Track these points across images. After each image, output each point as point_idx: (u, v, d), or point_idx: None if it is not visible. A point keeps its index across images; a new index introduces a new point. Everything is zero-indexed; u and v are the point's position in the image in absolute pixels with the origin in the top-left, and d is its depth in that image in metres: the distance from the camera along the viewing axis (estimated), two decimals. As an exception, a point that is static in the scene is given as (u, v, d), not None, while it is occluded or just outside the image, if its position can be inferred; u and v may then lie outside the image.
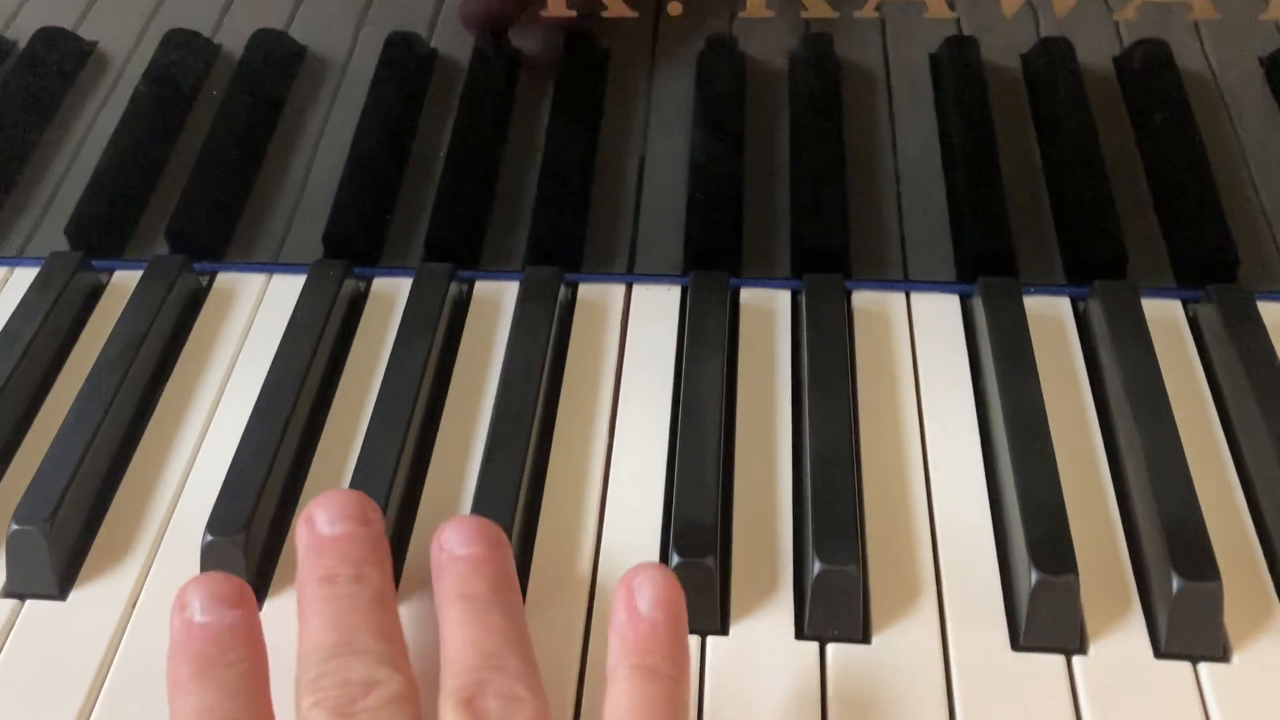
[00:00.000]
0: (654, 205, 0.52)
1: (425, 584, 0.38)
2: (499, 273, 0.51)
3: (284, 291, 0.50)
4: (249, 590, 0.36)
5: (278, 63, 0.55)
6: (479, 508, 0.40)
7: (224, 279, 0.51)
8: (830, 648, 0.38)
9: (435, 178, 0.52)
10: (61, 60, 0.53)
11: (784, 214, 0.51)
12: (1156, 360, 0.44)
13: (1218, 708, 0.36)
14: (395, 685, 0.33)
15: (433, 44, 0.55)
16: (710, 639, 0.38)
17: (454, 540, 0.37)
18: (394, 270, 0.51)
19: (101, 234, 0.52)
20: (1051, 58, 0.53)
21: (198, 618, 0.35)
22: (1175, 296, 0.49)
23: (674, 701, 0.33)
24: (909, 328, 0.48)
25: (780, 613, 0.39)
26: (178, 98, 0.54)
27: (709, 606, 0.38)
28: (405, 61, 0.54)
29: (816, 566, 0.38)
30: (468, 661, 0.33)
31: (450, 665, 0.34)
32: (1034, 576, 0.37)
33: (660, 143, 0.53)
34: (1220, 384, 0.45)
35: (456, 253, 0.50)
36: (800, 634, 0.38)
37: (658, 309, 0.49)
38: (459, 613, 0.35)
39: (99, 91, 0.53)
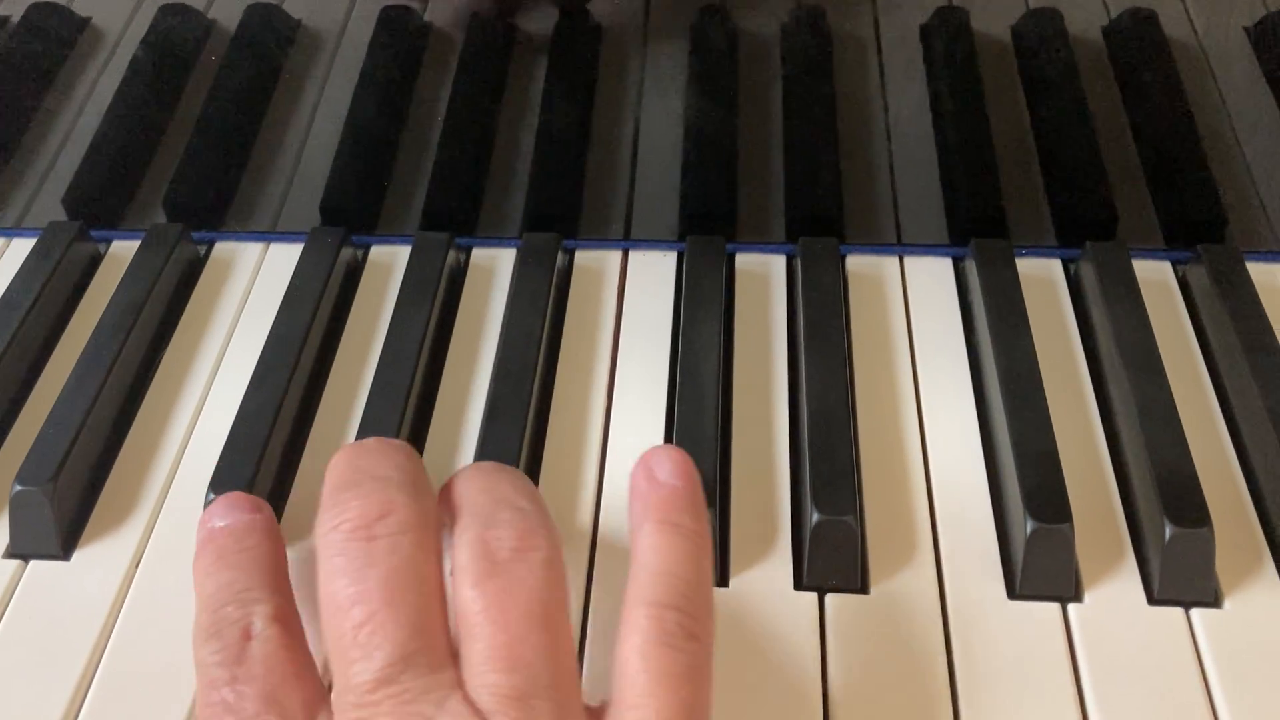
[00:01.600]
0: (650, 172, 0.52)
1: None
2: (496, 239, 0.51)
3: (282, 260, 0.50)
4: (266, 504, 0.38)
5: (274, 33, 0.55)
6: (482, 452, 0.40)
7: (222, 248, 0.52)
8: (829, 598, 0.38)
9: (432, 147, 0.52)
10: (59, 30, 0.53)
11: (778, 180, 0.52)
12: (1147, 317, 0.44)
13: (1210, 653, 0.36)
14: (411, 510, 0.34)
15: (427, 17, 0.55)
16: (711, 591, 0.38)
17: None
18: (391, 238, 0.51)
19: (99, 204, 0.52)
20: (1041, 27, 0.54)
21: (217, 524, 0.37)
22: (1165, 258, 0.49)
23: (699, 554, 0.34)
24: (903, 290, 0.48)
25: (779, 565, 0.39)
26: (175, 67, 0.54)
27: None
28: (400, 33, 0.55)
29: (814, 516, 0.38)
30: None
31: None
32: (1029, 525, 0.38)
33: (656, 110, 0.53)
34: (1209, 341, 0.46)
35: (453, 220, 0.51)
36: (799, 584, 0.39)
37: (654, 274, 0.50)
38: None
39: (96, 62, 0.54)
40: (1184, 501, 0.38)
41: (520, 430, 0.41)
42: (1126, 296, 0.45)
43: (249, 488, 0.40)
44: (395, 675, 0.31)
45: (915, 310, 0.47)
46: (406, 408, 0.42)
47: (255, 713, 0.32)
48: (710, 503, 0.39)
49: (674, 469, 0.36)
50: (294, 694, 0.32)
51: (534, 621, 0.31)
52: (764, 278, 0.49)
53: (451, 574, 0.33)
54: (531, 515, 0.34)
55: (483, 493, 0.35)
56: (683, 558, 0.33)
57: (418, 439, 0.43)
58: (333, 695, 0.32)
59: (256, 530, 0.37)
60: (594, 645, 0.37)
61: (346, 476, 0.35)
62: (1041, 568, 0.38)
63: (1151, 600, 0.38)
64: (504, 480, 0.35)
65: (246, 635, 0.33)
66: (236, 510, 0.38)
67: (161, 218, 0.52)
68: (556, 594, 0.32)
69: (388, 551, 0.33)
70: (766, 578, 0.39)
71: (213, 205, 0.52)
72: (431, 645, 0.32)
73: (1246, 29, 0.54)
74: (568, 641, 0.32)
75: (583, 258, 0.50)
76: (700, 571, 0.33)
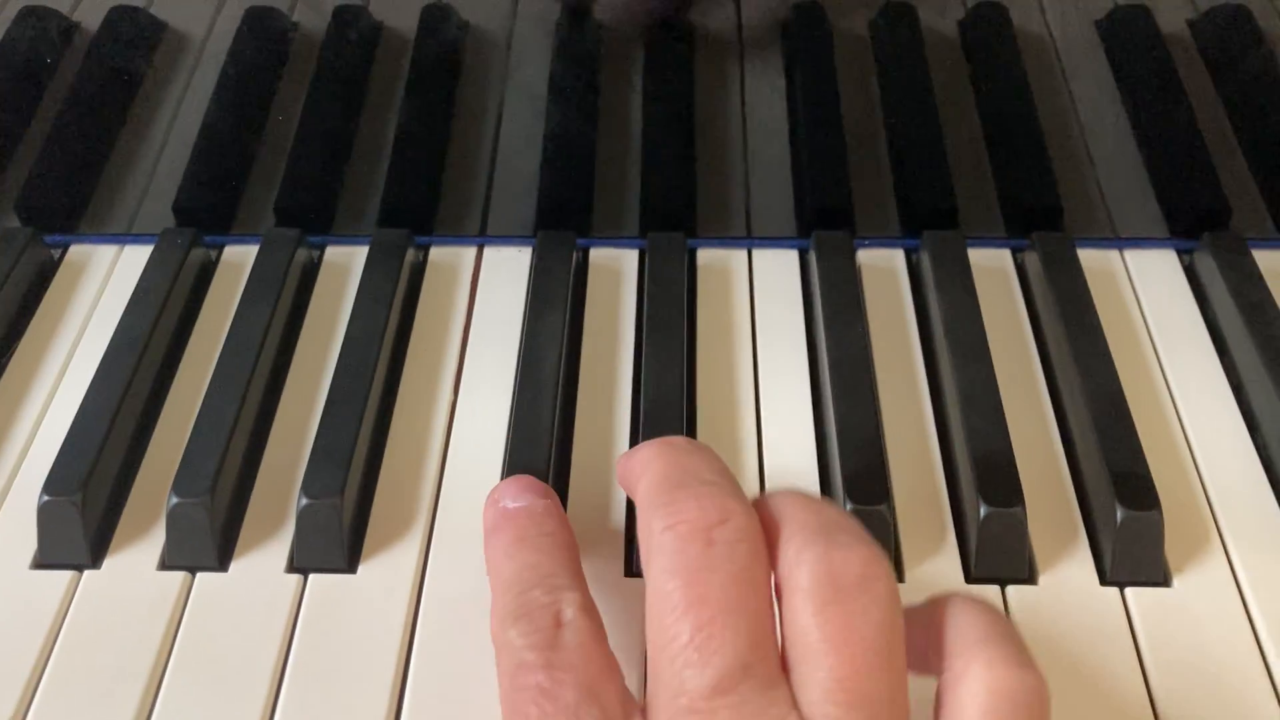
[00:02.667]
0: (508, 168, 0.53)
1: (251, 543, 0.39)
2: (352, 237, 0.51)
3: (136, 262, 0.50)
4: (552, 491, 0.39)
5: (135, 37, 0.55)
6: (315, 462, 0.40)
7: (76, 251, 0.51)
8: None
9: (287, 146, 0.52)
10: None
11: (635, 175, 0.52)
12: (977, 303, 0.45)
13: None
14: (747, 518, 0.32)
15: (294, 17, 0.56)
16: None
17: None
18: (246, 238, 0.51)
19: (-50, 208, 0.52)
20: (896, 21, 0.55)
21: (510, 504, 0.37)
22: (1006, 246, 0.50)
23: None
24: (749, 282, 0.49)
25: (613, 557, 0.40)
26: (35, 69, 0.54)
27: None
28: (262, 34, 0.55)
29: (641, 505, 0.39)
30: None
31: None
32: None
33: (517, 108, 0.54)
34: (1041, 325, 0.47)
35: (307, 218, 0.51)
36: (628, 572, 0.39)
37: (508, 270, 0.50)
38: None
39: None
40: (999, 483, 0.39)
41: (356, 425, 0.42)
42: (959, 283, 0.46)
43: (83, 487, 0.40)
44: (733, 685, 0.29)
45: (760, 302, 0.48)
46: (243, 405, 0.42)
47: (574, 701, 0.31)
48: (547, 496, 0.39)
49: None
50: (610, 688, 0.32)
51: (879, 657, 0.30)
52: (616, 271, 0.50)
53: (783, 593, 0.32)
54: (868, 543, 0.32)
55: (812, 512, 0.33)
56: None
57: (259, 435, 0.44)
58: (656, 698, 0.31)
59: (554, 515, 0.37)
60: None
61: (672, 475, 0.34)
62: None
63: (969, 578, 0.39)
64: (827, 504, 0.34)
65: (558, 622, 0.32)
66: (530, 493, 0.38)
67: (14, 221, 0.52)
68: (899, 631, 0.31)
69: (726, 558, 0.31)
70: (600, 566, 0.39)
71: (67, 208, 0.52)
72: (767, 659, 0.30)
73: (1097, 22, 0.55)
74: (905, 681, 0.31)
75: (437, 254, 0.51)
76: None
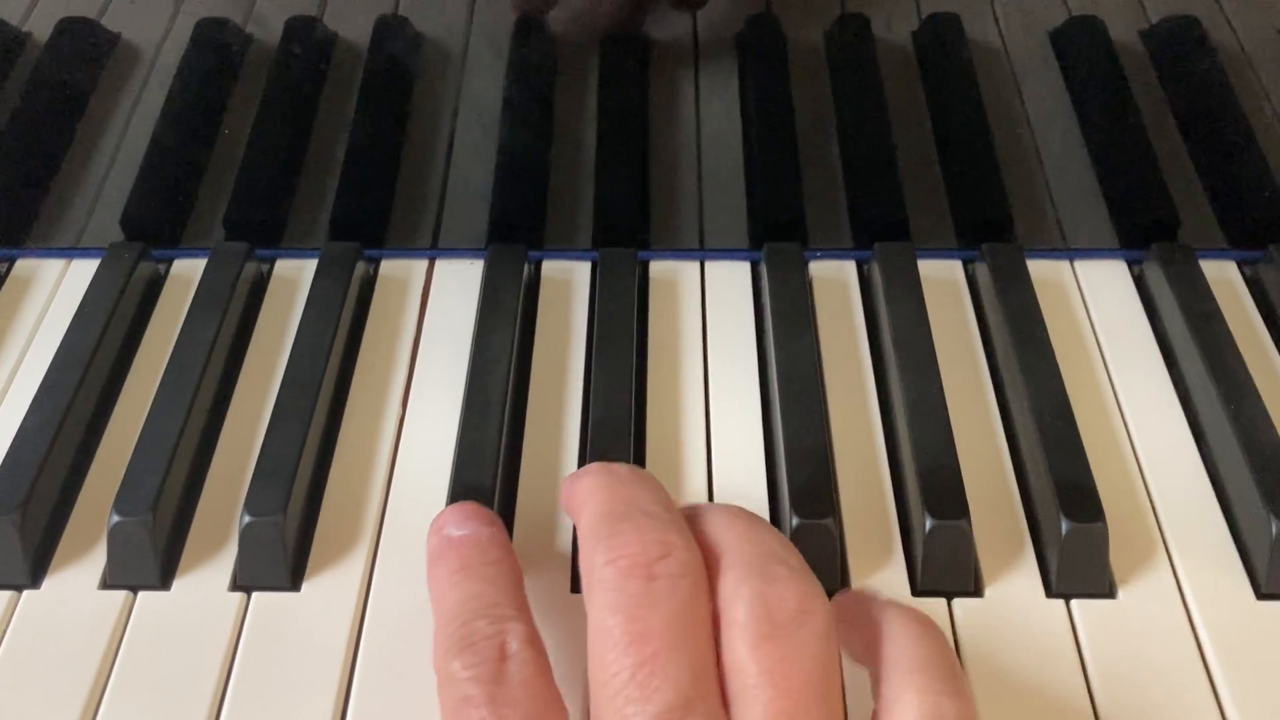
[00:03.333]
0: (460, 181, 0.52)
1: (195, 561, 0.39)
2: (302, 250, 0.51)
3: (84, 276, 0.50)
4: (499, 518, 0.38)
5: (85, 48, 0.55)
6: (259, 477, 0.40)
7: (22, 265, 0.51)
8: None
9: (238, 159, 0.52)
10: None
11: (589, 188, 0.52)
12: (925, 314, 0.45)
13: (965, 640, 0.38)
14: (688, 552, 0.32)
15: (247, 29, 0.55)
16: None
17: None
18: (195, 252, 0.51)
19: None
20: (849, 33, 0.55)
21: (455, 532, 0.37)
22: (958, 257, 0.51)
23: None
24: (701, 294, 0.49)
25: (559, 573, 0.40)
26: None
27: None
28: (213, 46, 0.54)
29: (587, 521, 0.39)
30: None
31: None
32: (794, 520, 0.39)
33: (470, 121, 0.54)
34: (990, 336, 0.47)
35: (257, 231, 0.50)
36: (574, 589, 0.39)
37: (460, 283, 0.50)
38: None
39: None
40: (944, 496, 0.39)
41: (300, 441, 0.41)
42: (909, 295, 0.46)
43: (22, 507, 0.39)
44: None
45: (712, 314, 0.48)
46: (188, 420, 0.42)
47: None
48: (492, 507, 0.39)
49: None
50: None
51: (815, 690, 0.30)
52: (568, 284, 0.50)
53: (721, 626, 0.32)
54: (804, 576, 0.32)
55: (748, 542, 0.33)
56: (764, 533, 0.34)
57: (204, 452, 0.43)
58: None
59: (499, 544, 0.36)
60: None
61: (613, 507, 0.34)
62: (810, 563, 0.39)
63: (915, 591, 0.39)
64: (766, 532, 0.34)
65: (503, 654, 0.32)
66: (474, 521, 0.37)
67: (-43, 236, 0.51)
68: (834, 664, 0.31)
69: (667, 593, 0.31)
70: (547, 581, 0.39)
71: (13, 222, 0.51)
72: (709, 694, 0.30)
73: (1050, 33, 0.56)
74: (840, 712, 0.31)
75: (388, 267, 0.51)
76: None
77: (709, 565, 0.33)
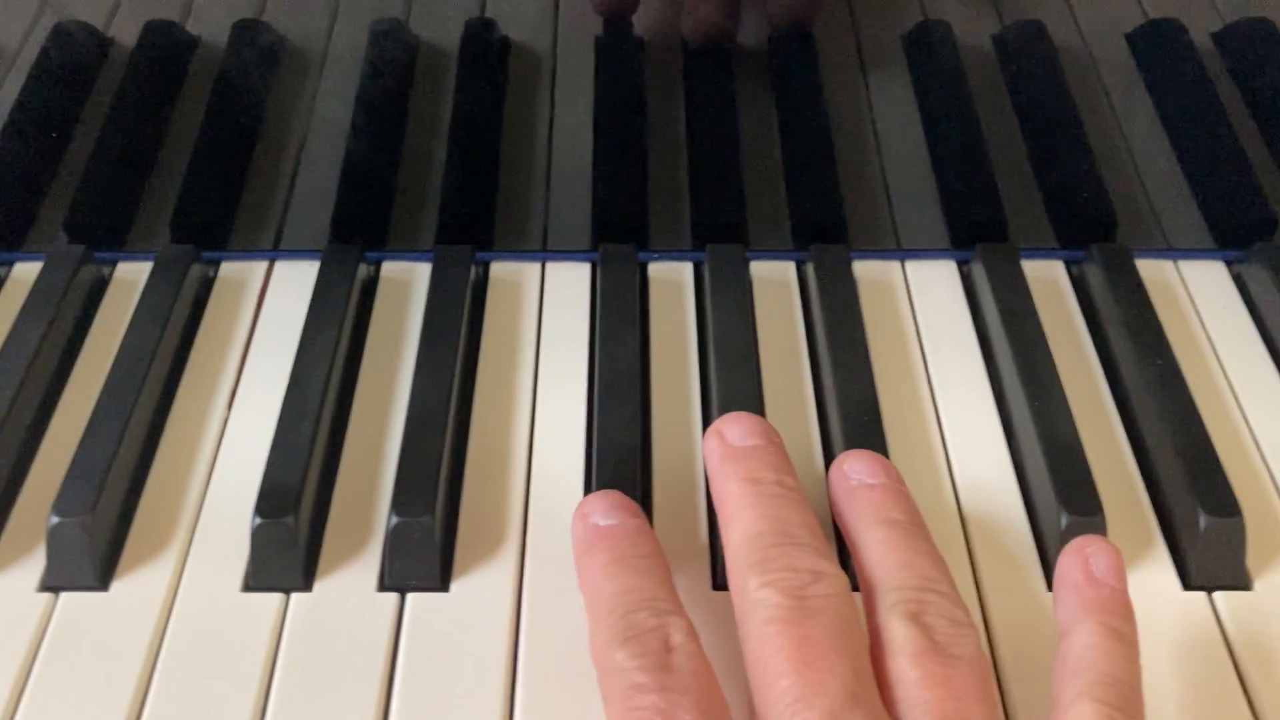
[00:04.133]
0: (307, 183, 0.52)
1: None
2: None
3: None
4: (640, 509, 0.39)
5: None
6: (69, 480, 0.40)
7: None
8: (410, 597, 0.39)
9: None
10: None
11: (434, 186, 0.52)
12: (753, 316, 0.47)
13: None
14: (839, 580, 0.34)
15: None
16: (293, 595, 0.39)
17: (861, 471, 0.39)
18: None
19: None
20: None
21: (602, 522, 0.37)
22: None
23: (1135, 664, 0.34)
24: (540, 295, 0.50)
25: (367, 567, 0.40)
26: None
27: (290, 564, 0.39)
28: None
29: (392, 520, 0.39)
30: (907, 581, 0.35)
31: (888, 582, 0.35)
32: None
33: (322, 122, 0.54)
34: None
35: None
36: (382, 585, 0.40)
37: (297, 284, 0.50)
38: (885, 534, 0.37)
39: None
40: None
41: (116, 442, 0.41)
42: (735, 295, 0.47)
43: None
44: (846, 715, 0.31)
45: (549, 314, 0.49)
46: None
47: None
48: (291, 509, 0.39)
49: (1111, 569, 0.36)
50: (724, 714, 0.32)
51: (976, 691, 0.32)
52: (407, 285, 0.50)
53: (878, 649, 0.34)
54: (955, 602, 0.35)
55: (905, 568, 0.35)
56: (1128, 665, 0.34)
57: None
58: None
59: (647, 536, 0.37)
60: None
61: (761, 528, 0.35)
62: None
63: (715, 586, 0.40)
64: (924, 555, 0.36)
65: (667, 646, 0.33)
66: (621, 511, 0.38)
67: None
68: (990, 674, 0.34)
69: (824, 608, 0.33)
70: (350, 580, 0.40)
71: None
72: (874, 696, 0.32)
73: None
74: (1001, 716, 0.33)
75: (227, 269, 0.51)
76: (1139, 680, 0.34)
77: (874, 592, 0.35)
